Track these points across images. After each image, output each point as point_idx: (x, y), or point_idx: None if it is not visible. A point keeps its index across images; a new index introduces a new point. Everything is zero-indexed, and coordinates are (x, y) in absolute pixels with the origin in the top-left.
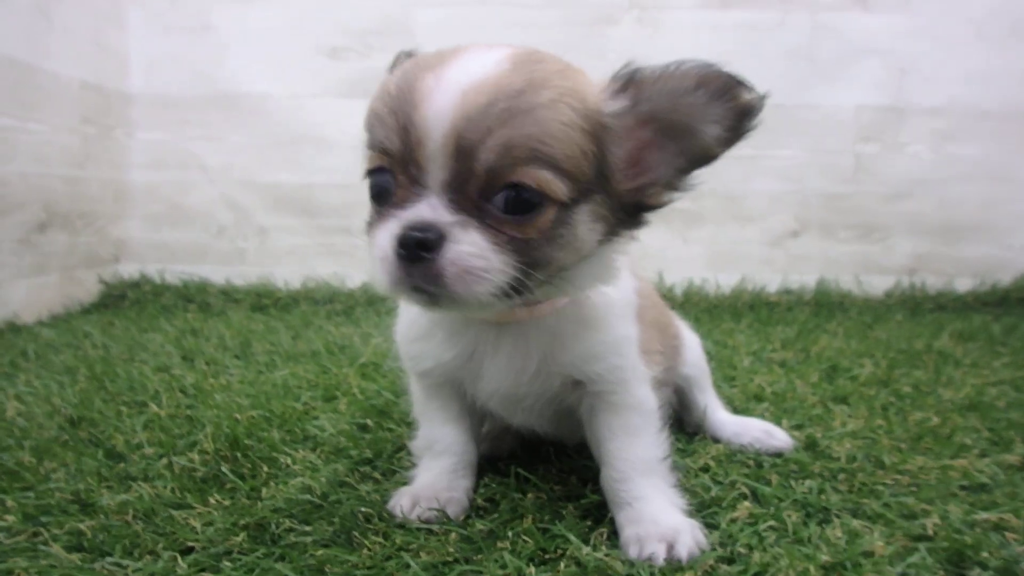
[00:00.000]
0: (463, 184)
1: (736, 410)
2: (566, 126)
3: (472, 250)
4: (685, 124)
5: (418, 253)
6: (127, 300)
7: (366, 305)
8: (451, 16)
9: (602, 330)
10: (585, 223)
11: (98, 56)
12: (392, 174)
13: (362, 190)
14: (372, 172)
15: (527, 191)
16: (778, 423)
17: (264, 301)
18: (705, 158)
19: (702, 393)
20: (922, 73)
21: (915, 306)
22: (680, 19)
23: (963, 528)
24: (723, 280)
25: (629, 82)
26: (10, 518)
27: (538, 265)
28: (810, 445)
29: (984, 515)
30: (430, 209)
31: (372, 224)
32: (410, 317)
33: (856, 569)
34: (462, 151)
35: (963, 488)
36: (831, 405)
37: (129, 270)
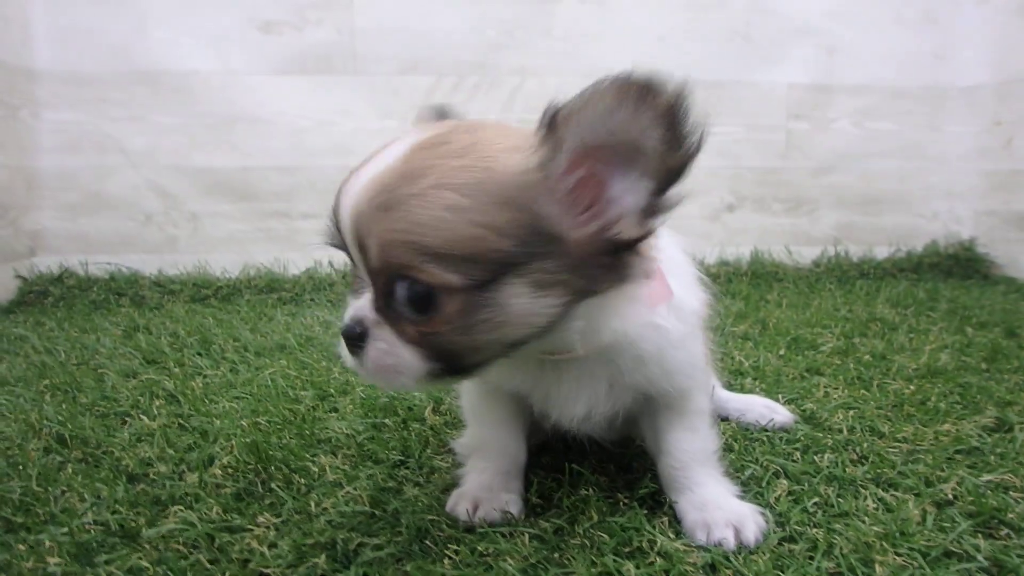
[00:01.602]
0: (374, 279)
1: (728, 386)
2: (446, 211)
3: (384, 348)
4: (628, 144)
5: (355, 346)
6: (51, 296)
7: (314, 292)
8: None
9: (662, 359)
10: (521, 296)
11: None
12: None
13: (303, 173)
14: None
15: (417, 284)
16: (772, 398)
17: (203, 292)
18: (671, 172)
19: None
20: (847, 54)
21: (841, 274)
22: None
23: (982, 491)
24: None
25: (550, 126)
26: (54, 560)
27: (463, 351)
28: (809, 418)
29: (987, 477)
30: (365, 303)
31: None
32: None
33: (907, 537)
34: (361, 250)
35: (959, 452)
36: (809, 376)
37: (47, 263)
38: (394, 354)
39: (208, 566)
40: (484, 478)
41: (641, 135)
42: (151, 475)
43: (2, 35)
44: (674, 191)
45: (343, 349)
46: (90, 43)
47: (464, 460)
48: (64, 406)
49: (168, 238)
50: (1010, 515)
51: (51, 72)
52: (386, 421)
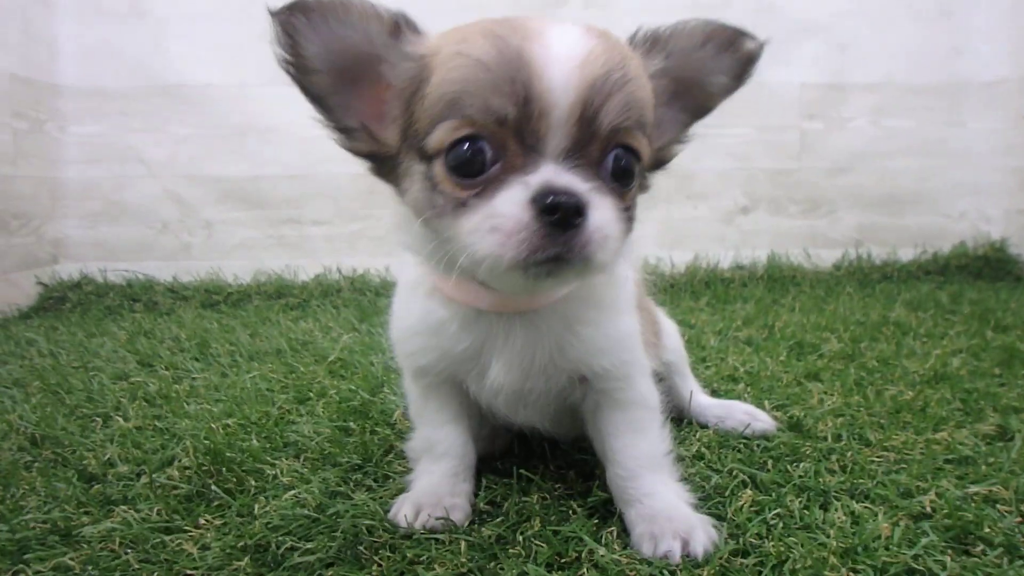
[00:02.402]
0: (583, 150)
1: (715, 392)
2: (650, 95)
3: (610, 215)
4: (694, 79)
5: (571, 220)
6: (68, 302)
7: (321, 297)
8: (401, 2)
9: (611, 320)
10: (636, 192)
11: (26, 45)
12: (489, 143)
13: (313, 181)
14: (458, 142)
15: (628, 156)
16: (759, 404)
17: (214, 297)
18: (706, 110)
19: (683, 378)
20: (860, 51)
21: (863, 277)
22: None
23: (960, 504)
24: (677, 258)
25: (654, 42)
26: None
27: (626, 234)
28: (794, 425)
29: (975, 488)
30: (555, 174)
31: (465, 198)
32: (412, 312)
33: (869, 553)
34: (585, 117)
35: (948, 462)
36: (805, 383)
37: (69, 270)
38: (615, 221)
39: (135, 566)
40: (431, 482)
41: (712, 75)
42: (110, 475)
43: (30, 53)
44: (696, 127)
45: (525, 235)
46: (112, 59)
47: (414, 463)
48: (48, 408)
49: (183, 245)
50: (987, 529)
51: (76, 87)
52: (351, 425)
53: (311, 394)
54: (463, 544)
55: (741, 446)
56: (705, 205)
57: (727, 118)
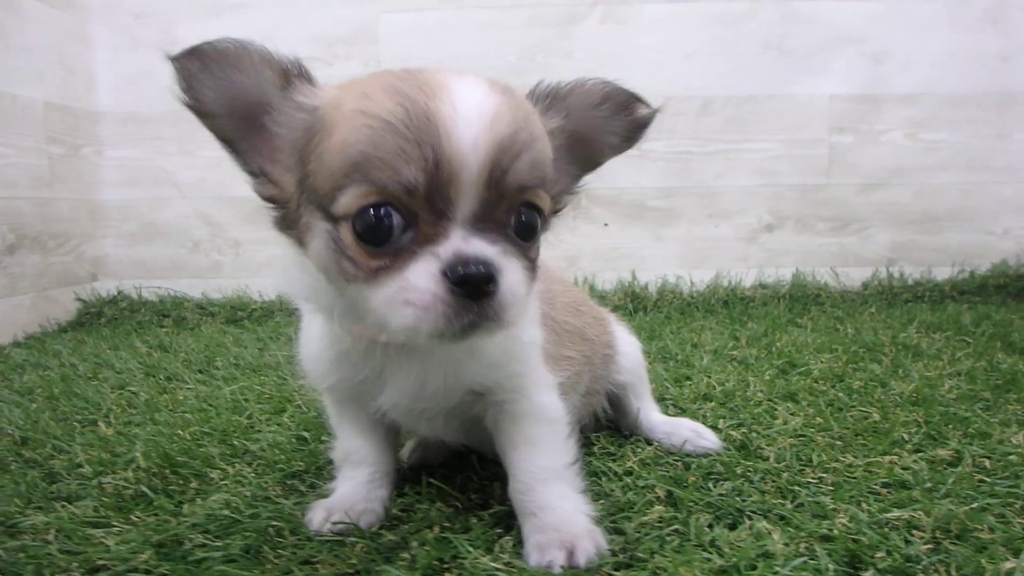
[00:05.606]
0: (490, 211)
1: (682, 411)
2: (551, 152)
3: (518, 276)
4: (589, 136)
5: (483, 289)
6: (103, 317)
7: None
8: (416, 22)
9: (506, 336)
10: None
11: (63, 75)
12: (398, 210)
13: None
14: (365, 208)
15: (532, 214)
16: (717, 423)
17: (239, 313)
18: (595, 165)
19: (637, 398)
20: (896, 60)
21: (892, 297)
22: (646, 14)
23: (867, 528)
24: (697, 277)
25: (554, 99)
26: None
27: (532, 286)
28: (743, 445)
29: (896, 513)
30: (465, 242)
31: (375, 267)
32: (313, 339)
33: (748, 572)
34: (493, 178)
35: (885, 486)
36: (777, 403)
37: (107, 287)
38: (522, 281)
39: (56, 556)
40: (348, 488)
41: (604, 134)
42: (71, 477)
43: (68, 83)
44: (584, 181)
45: (442, 309)
46: (145, 85)
47: (338, 471)
48: (41, 413)
49: (214, 264)
50: (879, 554)
51: (112, 114)
52: (307, 435)
53: (288, 406)
54: (359, 547)
55: (679, 463)
56: (728, 223)
57: (751, 133)
